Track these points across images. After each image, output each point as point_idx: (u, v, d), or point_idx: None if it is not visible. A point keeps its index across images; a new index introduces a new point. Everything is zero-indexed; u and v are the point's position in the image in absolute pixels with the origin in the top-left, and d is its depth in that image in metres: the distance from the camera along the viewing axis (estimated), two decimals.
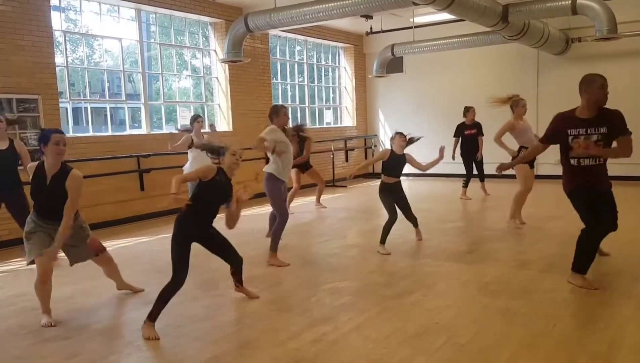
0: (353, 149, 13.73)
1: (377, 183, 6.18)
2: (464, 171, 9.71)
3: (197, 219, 3.95)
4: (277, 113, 5.73)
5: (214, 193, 3.95)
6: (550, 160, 11.74)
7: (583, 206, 4.47)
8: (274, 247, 5.61)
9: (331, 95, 13.98)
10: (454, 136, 9.70)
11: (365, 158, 14.40)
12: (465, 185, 9.72)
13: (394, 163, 5.94)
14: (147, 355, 3.46)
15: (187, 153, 8.01)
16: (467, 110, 9.63)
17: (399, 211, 6.05)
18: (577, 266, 4.50)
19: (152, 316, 3.77)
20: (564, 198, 4.60)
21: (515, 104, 6.88)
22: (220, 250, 4.23)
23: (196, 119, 8.08)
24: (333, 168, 12.59)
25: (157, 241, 6.98)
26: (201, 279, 5.14)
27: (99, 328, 3.99)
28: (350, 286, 4.79)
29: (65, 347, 3.63)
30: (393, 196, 6.01)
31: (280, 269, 5.44)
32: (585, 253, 4.48)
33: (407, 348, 3.40)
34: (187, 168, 7.67)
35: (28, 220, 4.20)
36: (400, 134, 5.93)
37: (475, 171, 9.71)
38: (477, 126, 9.57)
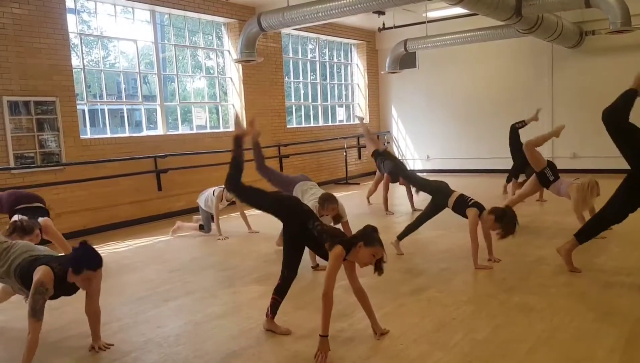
0: (365, 147, 13.72)
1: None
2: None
3: None
4: None
5: None
6: (566, 154, 11.72)
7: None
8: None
9: (344, 92, 13.97)
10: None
11: None
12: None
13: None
14: (167, 352, 3.52)
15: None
16: None
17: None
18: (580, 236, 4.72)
19: None
20: None
21: None
22: None
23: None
24: (346, 165, 12.60)
25: (175, 241, 7.07)
26: (219, 276, 5.21)
27: (120, 325, 4.06)
28: (366, 282, 4.79)
29: (87, 344, 3.70)
30: None
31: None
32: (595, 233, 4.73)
33: (424, 344, 3.42)
34: None
35: None
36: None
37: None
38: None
